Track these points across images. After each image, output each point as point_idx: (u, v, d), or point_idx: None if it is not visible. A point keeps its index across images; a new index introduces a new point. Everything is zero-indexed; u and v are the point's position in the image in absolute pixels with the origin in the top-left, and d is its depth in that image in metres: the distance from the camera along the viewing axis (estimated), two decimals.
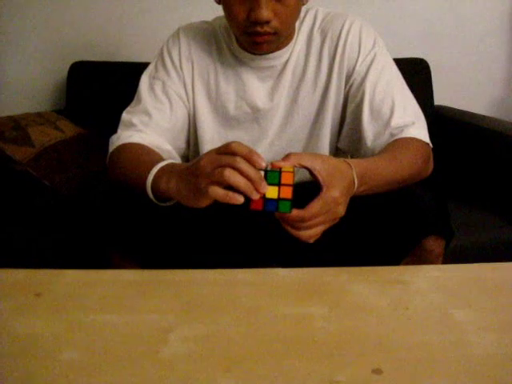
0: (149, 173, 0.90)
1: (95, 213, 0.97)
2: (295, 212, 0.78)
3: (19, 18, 2.07)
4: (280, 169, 0.77)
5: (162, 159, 0.95)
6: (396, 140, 1.04)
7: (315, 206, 0.79)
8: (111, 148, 1.09)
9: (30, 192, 1.47)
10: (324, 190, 0.80)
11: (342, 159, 0.88)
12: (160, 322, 0.68)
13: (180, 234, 0.99)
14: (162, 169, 0.90)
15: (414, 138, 1.04)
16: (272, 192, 0.77)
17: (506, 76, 2.21)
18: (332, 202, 0.80)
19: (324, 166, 0.82)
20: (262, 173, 0.77)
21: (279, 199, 0.77)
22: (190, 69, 1.18)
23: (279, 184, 0.77)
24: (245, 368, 0.59)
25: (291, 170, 0.77)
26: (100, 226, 0.97)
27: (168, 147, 1.11)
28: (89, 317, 0.71)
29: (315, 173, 0.81)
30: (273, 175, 0.77)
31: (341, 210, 0.82)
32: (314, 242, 0.83)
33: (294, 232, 0.82)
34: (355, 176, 0.86)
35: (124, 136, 1.08)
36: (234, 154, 0.75)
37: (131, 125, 1.11)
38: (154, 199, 0.91)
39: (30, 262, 0.84)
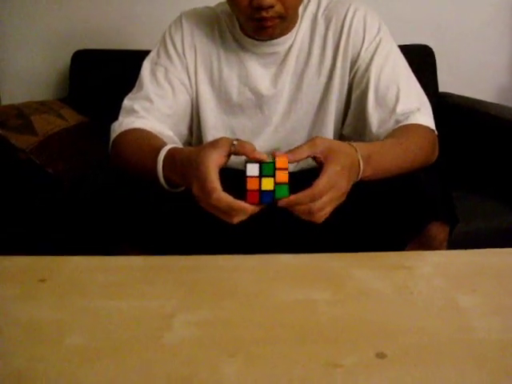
0: (156, 159, 0.91)
1: (98, 203, 0.97)
2: (302, 193, 0.79)
3: (21, 7, 2.07)
4: (274, 158, 0.78)
5: (165, 144, 0.95)
6: (402, 126, 1.04)
7: (321, 182, 0.79)
8: (113, 135, 1.09)
9: (33, 180, 1.47)
10: (325, 166, 0.81)
11: (346, 142, 0.88)
12: (163, 308, 0.68)
13: (183, 222, 0.99)
14: (166, 157, 0.90)
15: (419, 125, 1.04)
16: (267, 184, 0.78)
17: (510, 62, 2.19)
18: (335, 176, 0.80)
19: (323, 145, 0.83)
20: (257, 165, 0.78)
21: (276, 184, 0.78)
22: (192, 55, 1.17)
23: (274, 170, 0.78)
24: (248, 353, 0.59)
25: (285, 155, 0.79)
26: (104, 217, 0.97)
27: (169, 133, 1.11)
28: (93, 302, 0.71)
29: (317, 156, 0.82)
30: (268, 166, 0.78)
31: (344, 185, 0.82)
32: (320, 225, 0.83)
33: (306, 217, 0.82)
34: (360, 158, 0.86)
35: (126, 122, 1.08)
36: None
37: (133, 111, 1.11)
38: (165, 185, 0.92)
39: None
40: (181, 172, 0.87)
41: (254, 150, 0.80)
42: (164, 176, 0.91)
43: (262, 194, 0.78)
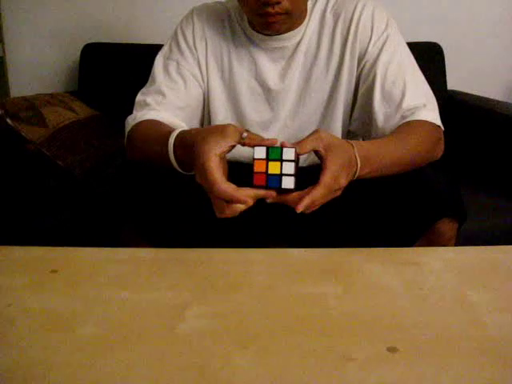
0: (167, 143, 0.91)
1: (111, 193, 0.98)
2: (316, 190, 0.79)
3: (31, 1, 2.07)
4: (281, 146, 0.78)
5: (175, 129, 0.95)
6: (406, 123, 1.04)
7: (326, 178, 0.80)
8: (128, 128, 1.09)
9: (42, 172, 1.48)
10: (326, 162, 0.81)
11: (344, 140, 0.88)
12: (176, 299, 0.69)
13: (194, 215, 1.00)
14: (176, 140, 0.90)
15: (424, 121, 1.03)
16: (274, 168, 0.78)
17: None
18: (336, 171, 0.81)
19: (326, 140, 0.83)
20: (265, 148, 0.78)
21: (282, 175, 0.78)
22: (203, 48, 1.18)
23: (281, 160, 0.78)
24: (260, 345, 0.60)
25: (293, 147, 0.79)
26: (116, 206, 0.97)
27: (182, 124, 1.11)
28: (105, 293, 0.71)
29: (319, 149, 0.83)
30: (275, 150, 0.78)
31: (343, 181, 0.83)
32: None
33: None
34: (357, 155, 0.86)
35: (139, 115, 1.09)
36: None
37: (146, 104, 1.11)
38: (178, 168, 0.92)
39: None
40: (190, 153, 0.85)
41: (263, 139, 0.81)
42: (178, 159, 0.91)
43: (269, 178, 0.78)
